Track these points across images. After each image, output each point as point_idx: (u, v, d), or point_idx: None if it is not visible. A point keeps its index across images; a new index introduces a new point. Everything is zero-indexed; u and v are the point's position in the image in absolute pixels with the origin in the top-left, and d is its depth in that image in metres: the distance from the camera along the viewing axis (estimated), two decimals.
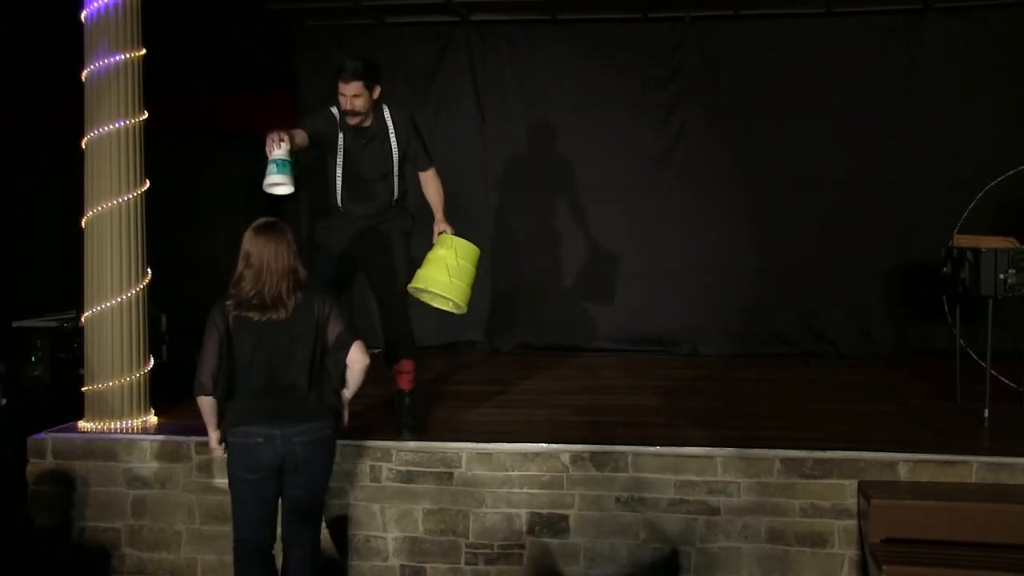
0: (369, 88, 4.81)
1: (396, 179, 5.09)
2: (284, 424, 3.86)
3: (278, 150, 4.25)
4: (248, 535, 4.05)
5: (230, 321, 3.89)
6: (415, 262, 5.06)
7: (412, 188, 5.27)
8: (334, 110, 4.94)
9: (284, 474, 3.96)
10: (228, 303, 3.91)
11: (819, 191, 7.74)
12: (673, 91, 7.93)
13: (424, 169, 5.15)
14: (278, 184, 4.30)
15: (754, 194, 7.82)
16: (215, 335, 3.90)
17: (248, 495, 3.99)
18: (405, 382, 5.27)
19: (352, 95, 4.78)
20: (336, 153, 4.97)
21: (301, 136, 4.72)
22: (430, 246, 4.96)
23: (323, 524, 4.51)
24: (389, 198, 5.10)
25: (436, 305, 4.90)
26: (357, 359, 4.00)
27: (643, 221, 7.95)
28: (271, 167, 4.19)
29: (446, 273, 4.75)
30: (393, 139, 5.01)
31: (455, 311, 4.93)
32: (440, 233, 4.97)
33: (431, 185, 5.16)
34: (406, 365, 5.25)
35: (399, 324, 5.19)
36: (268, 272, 3.86)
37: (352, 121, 4.88)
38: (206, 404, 3.97)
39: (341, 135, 4.94)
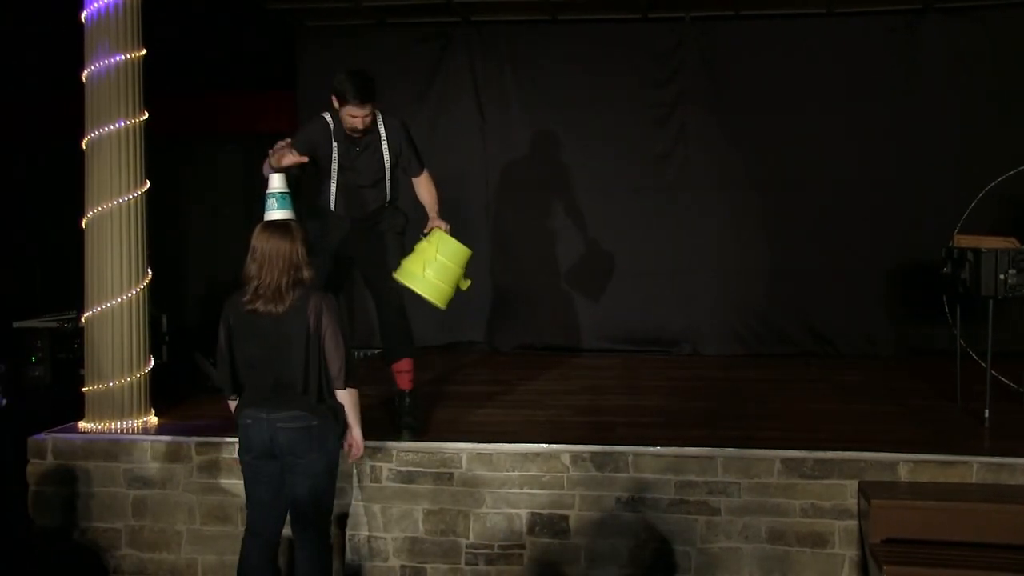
0: (375, 106, 4.89)
1: (388, 185, 5.13)
2: (271, 410, 3.97)
3: (277, 182, 4.21)
4: (252, 520, 4.18)
5: (233, 314, 4.04)
6: None
7: (404, 189, 5.27)
8: (327, 117, 4.94)
9: (281, 465, 4.04)
10: (235, 296, 4.05)
11: (819, 191, 7.74)
12: (673, 91, 7.93)
13: (416, 175, 5.15)
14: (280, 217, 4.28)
15: (754, 194, 7.82)
16: (222, 330, 4.06)
17: (248, 476, 4.13)
18: (405, 382, 5.28)
19: (363, 115, 4.82)
20: (331, 161, 5.00)
21: (295, 156, 4.65)
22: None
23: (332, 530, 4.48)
24: (382, 203, 5.15)
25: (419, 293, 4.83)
26: (344, 399, 4.09)
27: (643, 221, 7.94)
28: (271, 202, 4.15)
29: (422, 267, 4.72)
30: (385, 147, 5.03)
31: (434, 303, 4.86)
32: (432, 228, 4.94)
33: (424, 188, 5.15)
34: (405, 365, 5.26)
35: (397, 324, 5.20)
36: (269, 266, 3.95)
37: (354, 135, 4.92)
38: (230, 403, 4.17)
39: (335, 144, 4.96)
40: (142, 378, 5.38)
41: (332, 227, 5.11)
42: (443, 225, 4.93)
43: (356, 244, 5.15)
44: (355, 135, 4.91)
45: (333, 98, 4.82)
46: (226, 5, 7.94)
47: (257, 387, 4.03)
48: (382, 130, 5.01)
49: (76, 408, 5.43)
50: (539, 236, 8.09)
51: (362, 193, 5.07)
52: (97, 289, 5.28)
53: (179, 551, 5.06)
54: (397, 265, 5.00)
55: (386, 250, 5.15)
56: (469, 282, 4.95)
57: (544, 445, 4.88)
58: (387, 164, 5.06)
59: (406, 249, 5.10)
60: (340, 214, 5.11)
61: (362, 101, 4.76)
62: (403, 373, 5.27)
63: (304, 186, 5.21)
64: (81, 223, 5.33)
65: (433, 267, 4.72)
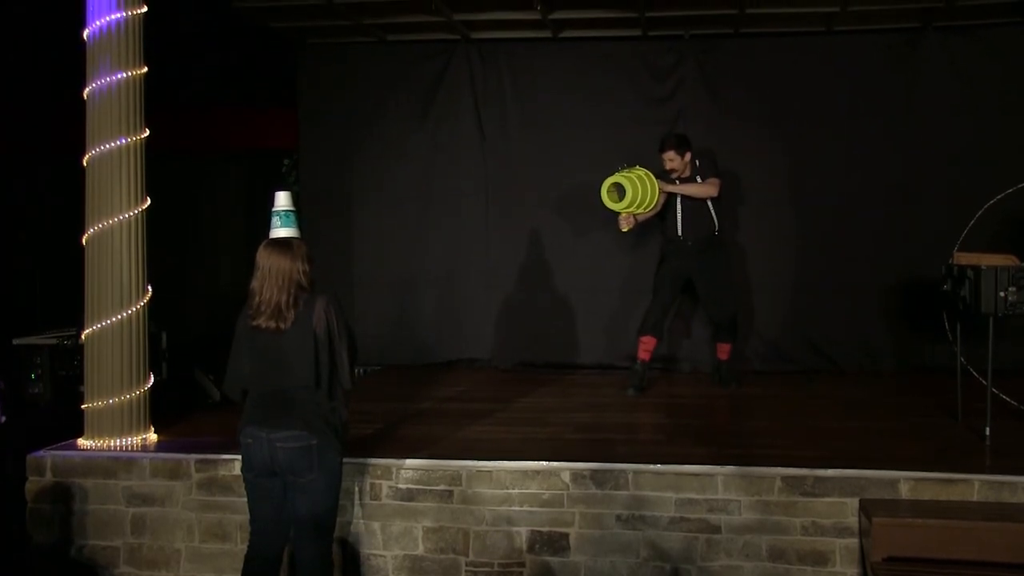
0: (680, 154, 6.67)
1: (712, 212, 6.75)
2: (271, 428, 3.98)
3: (283, 200, 4.18)
4: (255, 537, 4.18)
5: (242, 325, 4.07)
6: (735, 284, 7.21)
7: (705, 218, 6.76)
8: None
9: (283, 482, 4.06)
10: (246, 307, 4.07)
11: (819, 208, 7.75)
12: (673, 108, 7.95)
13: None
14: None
15: (754, 211, 7.84)
16: (236, 340, 4.11)
17: (250, 494, 4.15)
18: (723, 354, 7.13)
19: (668, 159, 6.68)
20: (675, 198, 6.78)
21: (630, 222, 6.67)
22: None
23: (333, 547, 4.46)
24: (711, 227, 6.77)
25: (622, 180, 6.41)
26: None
27: (644, 238, 7.93)
28: (275, 219, 4.13)
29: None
30: (698, 179, 6.73)
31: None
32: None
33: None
34: (725, 347, 7.13)
35: (725, 319, 6.98)
36: (269, 283, 3.97)
37: (673, 175, 6.73)
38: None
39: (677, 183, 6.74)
40: (142, 395, 5.37)
41: (676, 251, 6.83)
42: (665, 186, 6.65)
43: (698, 264, 6.80)
44: (674, 175, 6.71)
45: None
46: (229, 23, 7.98)
47: (258, 401, 4.03)
48: (697, 167, 6.73)
49: (76, 425, 5.42)
50: (539, 252, 8.09)
51: (696, 217, 6.74)
52: (97, 306, 5.28)
53: (178, 569, 5.03)
54: (727, 284, 7.02)
55: (719, 274, 6.88)
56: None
57: (544, 462, 4.87)
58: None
59: (733, 271, 7.27)
60: (684, 238, 6.78)
61: (663, 148, 6.70)
62: (722, 350, 7.14)
63: None
64: (82, 240, 5.34)
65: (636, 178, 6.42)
